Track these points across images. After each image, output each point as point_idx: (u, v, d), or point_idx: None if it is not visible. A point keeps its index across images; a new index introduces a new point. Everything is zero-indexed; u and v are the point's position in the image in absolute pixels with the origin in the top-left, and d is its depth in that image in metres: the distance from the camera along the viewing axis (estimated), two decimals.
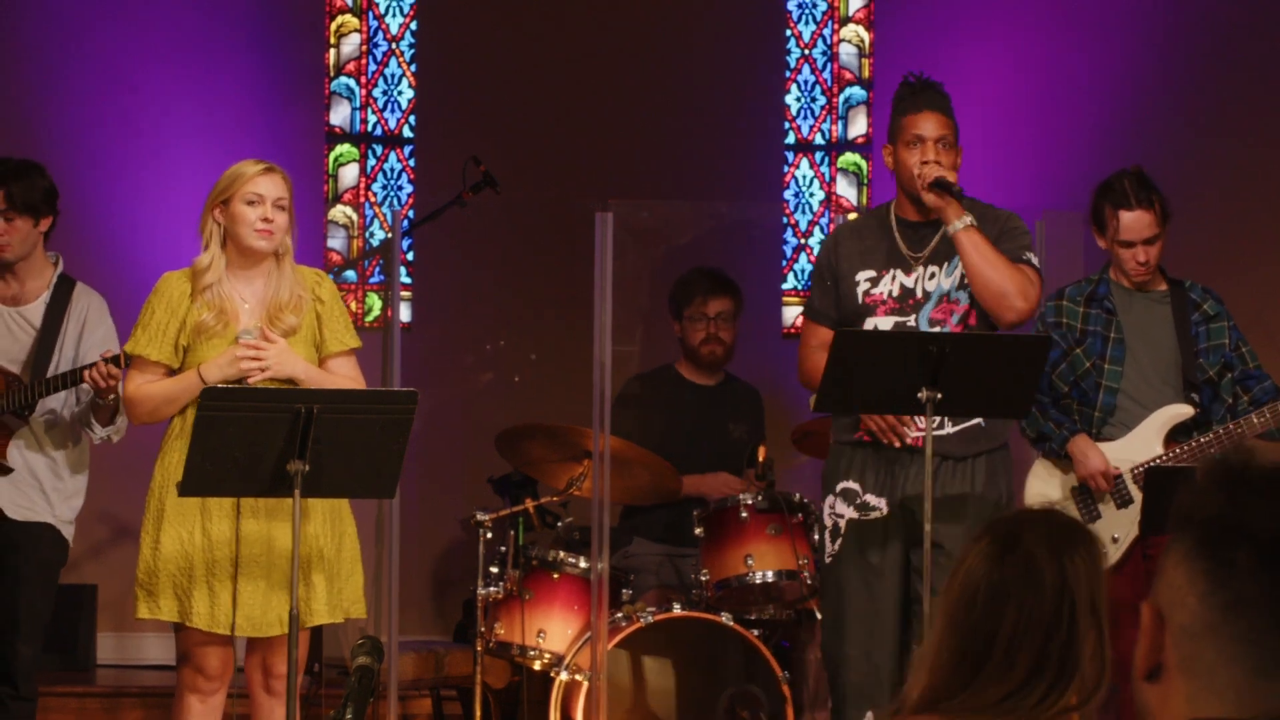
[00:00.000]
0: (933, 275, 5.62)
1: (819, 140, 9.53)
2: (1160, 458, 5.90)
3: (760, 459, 6.84)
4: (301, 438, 4.96)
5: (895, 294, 5.64)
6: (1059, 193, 8.38)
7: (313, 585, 5.33)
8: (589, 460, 6.37)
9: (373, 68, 9.34)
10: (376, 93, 9.33)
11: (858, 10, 9.58)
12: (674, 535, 7.01)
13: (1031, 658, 2.40)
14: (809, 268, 9.12)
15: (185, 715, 5.41)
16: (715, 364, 7.26)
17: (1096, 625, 2.42)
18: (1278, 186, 9.14)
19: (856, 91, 9.54)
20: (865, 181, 9.46)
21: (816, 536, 6.06)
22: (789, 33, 9.53)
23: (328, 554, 5.38)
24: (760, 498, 6.53)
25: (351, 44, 9.35)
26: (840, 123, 9.52)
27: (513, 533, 6.49)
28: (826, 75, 9.56)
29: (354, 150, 9.34)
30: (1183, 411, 5.94)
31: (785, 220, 9.45)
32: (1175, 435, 5.95)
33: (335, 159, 9.31)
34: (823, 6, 9.56)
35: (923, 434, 5.52)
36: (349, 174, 9.32)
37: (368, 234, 9.33)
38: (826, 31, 9.55)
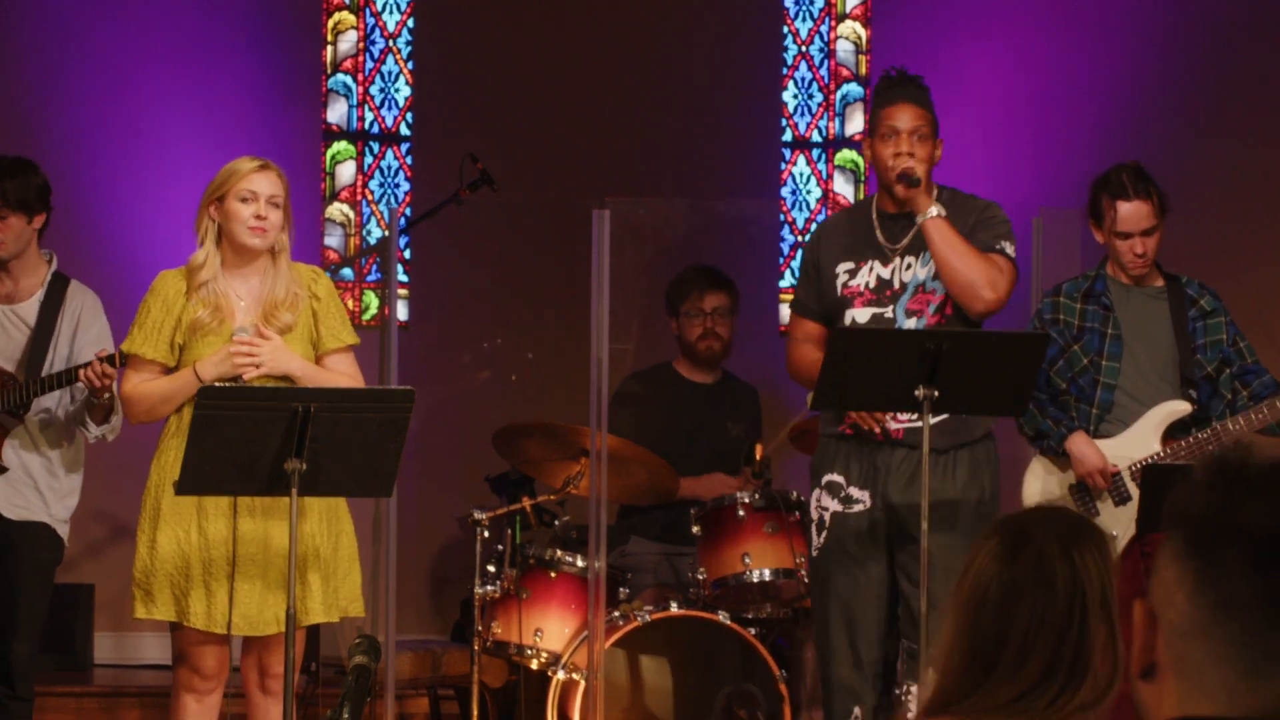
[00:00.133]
0: (909, 266, 5.62)
1: (816, 137, 9.52)
2: (1158, 455, 5.89)
3: (758, 457, 6.83)
4: (299, 436, 4.96)
5: (872, 285, 5.63)
6: (1059, 193, 8.36)
7: (308, 584, 5.33)
8: (586, 459, 6.36)
9: (370, 65, 9.33)
10: (374, 90, 9.32)
11: (855, 7, 9.58)
12: (671, 534, 7.00)
13: (1044, 657, 2.38)
14: None
15: (181, 715, 5.41)
16: (713, 360, 7.25)
17: (1108, 622, 2.40)
18: (1278, 186, 9.14)
19: (853, 88, 9.53)
20: (862, 178, 9.45)
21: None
22: (786, 29, 9.52)
23: (323, 553, 5.38)
24: (757, 496, 6.52)
25: (349, 41, 9.34)
26: (837, 120, 9.52)
27: (510, 531, 6.49)
28: (824, 72, 9.55)
29: (351, 148, 9.33)
30: (1180, 408, 5.94)
31: (782, 217, 9.45)
32: (1173, 432, 5.94)
33: (332, 156, 9.31)
34: (819, 3, 9.56)
35: (903, 425, 5.52)
36: (346, 172, 9.31)
37: (365, 232, 9.32)
38: (823, 28, 9.55)
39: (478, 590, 6.34)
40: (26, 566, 5.95)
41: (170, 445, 5.36)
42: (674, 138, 9.15)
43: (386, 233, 7.39)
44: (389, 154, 9.34)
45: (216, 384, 5.24)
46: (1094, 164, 6.27)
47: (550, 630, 6.42)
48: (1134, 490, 5.89)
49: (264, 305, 5.41)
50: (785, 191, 9.48)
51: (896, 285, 5.63)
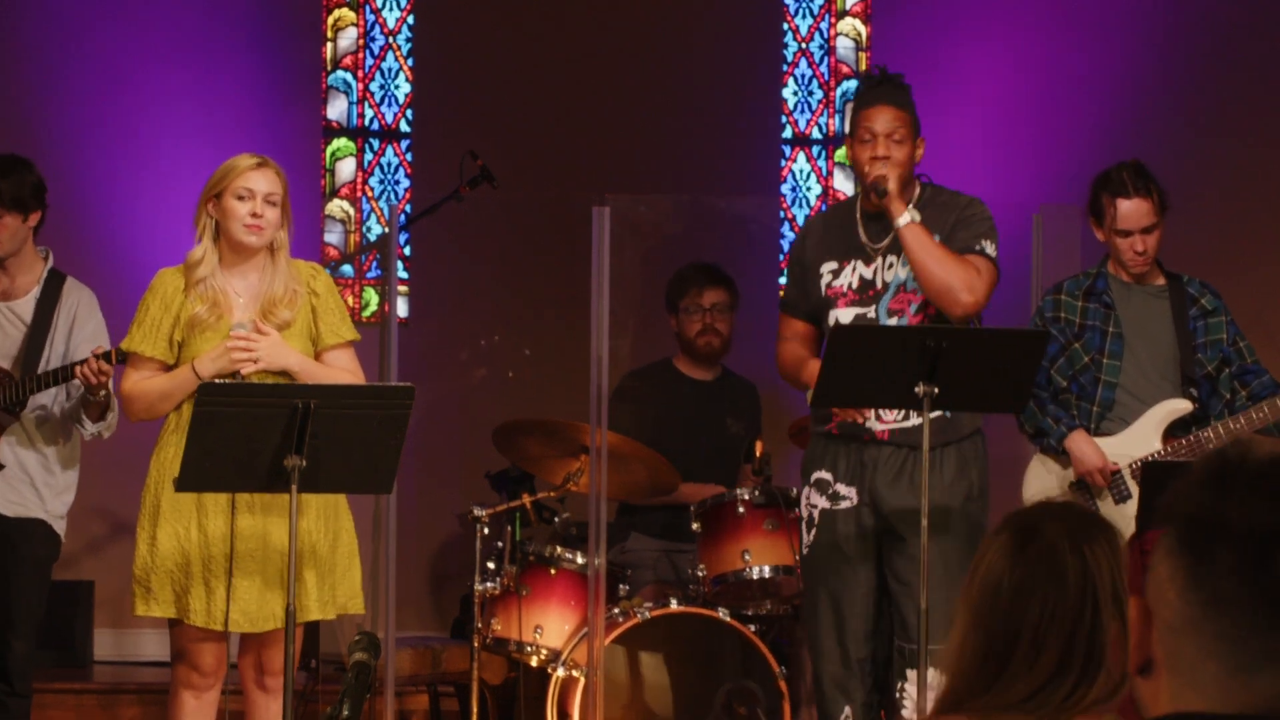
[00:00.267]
0: (891, 265, 5.59)
1: (816, 134, 9.52)
2: (1159, 453, 5.89)
3: (758, 454, 6.83)
4: (299, 433, 4.96)
5: (855, 285, 5.60)
6: (1059, 192, 8.37)
7: (304, 581, 5.33)
8: (586, 455, 6.36)
9: (370, 62, 9.34)
10: (374, 87, 9.32)
11: (855, 4, 9.58)
12: (671, 531, 7.00)
13: (1057, 652, 2.36)
14: None
15: (180, 712, 5.41)
16: (712, 356, 7.25)
17: (1119, 616, 2.39)
18: (1278, 186, 9.14)
19: (854, 85, 9.52)
20: None
21: None
22: (786, 27, 9.52)
23: (321, 550, 5.38)
24: (757, 493, 6.52)
25: (348, 38, 9.34)
26: (837, 117, 9.52)
27: (510, 528, 6.48)
28: (823, 69, 9.55)
29: (351, 145, 9.33)
30: (1181, 407, 5.94)
31: (782, 214, 9.45)
32: (1174, 430, 5.94)
33: (332, 153, 9.31)
34: (819, 0, 9.56)
35: (888, 426, 5.51)
36: (346, 168, 9.32)
37: (364, 229, 9.33)
38: (823, 25, 9.55)
39: (477, 587, 6.34)
40: (24, 563, 5.95)
41: (170, 442, 5.36)
42: (674, 135, 9.15)
43: (386, 229, 7.39)
44: (389, 151, 9.34)
45: (215, 380, 5.24)
46: (1094, 163, 6.26)
47: (550, 627, 6.42)
48: (1134, 488, 5.89)
49: (262, 302, 5.41)
50: (785, 188, 9.48)
51: (879, 285, 5.60)
